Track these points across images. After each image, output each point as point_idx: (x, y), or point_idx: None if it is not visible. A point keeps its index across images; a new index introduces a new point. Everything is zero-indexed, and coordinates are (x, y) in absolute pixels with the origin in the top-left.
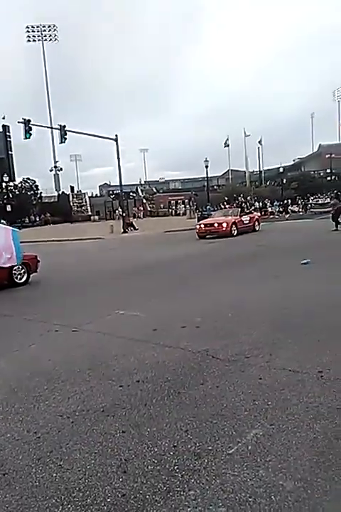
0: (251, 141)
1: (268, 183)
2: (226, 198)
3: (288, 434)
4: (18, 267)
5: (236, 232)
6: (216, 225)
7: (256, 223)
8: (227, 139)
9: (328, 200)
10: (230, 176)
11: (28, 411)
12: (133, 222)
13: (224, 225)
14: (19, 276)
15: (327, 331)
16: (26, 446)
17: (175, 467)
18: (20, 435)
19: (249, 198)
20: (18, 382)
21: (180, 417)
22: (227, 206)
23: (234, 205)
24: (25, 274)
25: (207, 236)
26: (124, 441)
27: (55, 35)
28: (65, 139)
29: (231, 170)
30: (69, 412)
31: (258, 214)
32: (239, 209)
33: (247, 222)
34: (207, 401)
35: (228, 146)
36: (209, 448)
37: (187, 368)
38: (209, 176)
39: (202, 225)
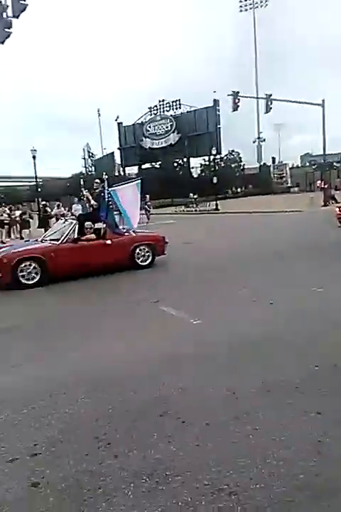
0: None
1: None
2: None
3: None
4: (143, 248)
5: None
6: None
7: None
8: None
9: None
10: None
11: (226, 371)
12: (335, 196)
13: None
14: (142, 258)
15: None
16: (226, 404)
17: None
18: (220, 392)
19: None
20: (220, 343)
21: None
22: None
23: None
24: (150, 257)
25: None
26: (319, 422)
27: (266, 1)
28: (270, 108)
29: None
30: (265, 380)
31: None
32: None
33: None
34: None
35: None
36: None
37: None
38: None
39: None
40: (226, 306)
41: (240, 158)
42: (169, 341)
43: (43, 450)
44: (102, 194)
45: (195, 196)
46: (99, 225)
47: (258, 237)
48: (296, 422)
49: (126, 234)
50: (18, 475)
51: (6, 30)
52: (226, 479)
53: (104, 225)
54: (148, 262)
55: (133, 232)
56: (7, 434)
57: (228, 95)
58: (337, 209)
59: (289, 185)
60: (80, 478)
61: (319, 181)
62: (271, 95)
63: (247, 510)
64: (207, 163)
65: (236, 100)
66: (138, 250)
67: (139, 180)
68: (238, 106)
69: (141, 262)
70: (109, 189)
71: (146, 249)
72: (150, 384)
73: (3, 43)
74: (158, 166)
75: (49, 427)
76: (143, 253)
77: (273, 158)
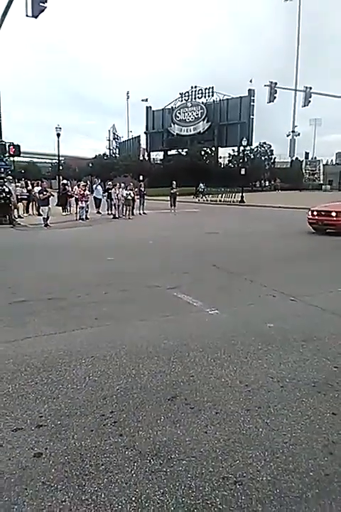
0: None
1: None
2: None
3: None
4: None
5: None
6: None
7: None
8: None
9: None
10: None
11: (241, 364)
12: None
13: None
14: None
15: None
16: (237, 395)
17: None
18: (233, 383)
19: None
20: (236, 335)
21: None
22: None
23: None
24: None
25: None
26: (333, 423)
27: None
28: (309, 101)
29: None
30: (279, 376)
31: None
32: None
33: None
34: None
35: None
36: None
37: None
38: None
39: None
40: (245, 299)
41: (271, 151)
42: (184, 328)
43: (48, 422)
44: None
45: (204, 186)
46: None
47: (275, 232)
48: (309, 421)
49: None
50: (21, 444)
51: (41, 4)
52: (233, 468)
53: None
54: None
55: None
56: (13, 404)
57: (265, 86)
58: (310, 213)
59: (321, 182)
60: (83, 453)
61: None
62: (310, 88)
63: (252, 500)
64: (236, 153)
65: (273, 91)
66: None
67: None
68: (275, 97)
69: None
70: None
71: None
72: (161, 368)
73: (36, 17)
74: (185, 154)
75: (56, 401)
76: None
77: (306, 154)
